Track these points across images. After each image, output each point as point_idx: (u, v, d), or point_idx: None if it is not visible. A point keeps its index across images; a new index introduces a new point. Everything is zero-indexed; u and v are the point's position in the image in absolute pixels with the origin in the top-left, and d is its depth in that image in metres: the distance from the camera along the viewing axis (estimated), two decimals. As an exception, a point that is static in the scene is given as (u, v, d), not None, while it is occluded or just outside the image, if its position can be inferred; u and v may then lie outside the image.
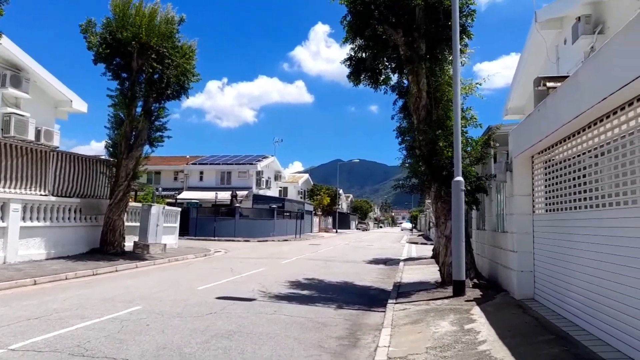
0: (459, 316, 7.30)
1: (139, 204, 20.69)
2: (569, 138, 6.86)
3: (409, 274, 14.14)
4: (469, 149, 10.60)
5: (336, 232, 63.18)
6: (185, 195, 43.26)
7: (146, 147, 17.82)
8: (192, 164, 46.84)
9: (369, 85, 12.04)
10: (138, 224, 19.85)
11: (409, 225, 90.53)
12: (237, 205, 38.31)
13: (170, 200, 39.14)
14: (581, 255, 6.38)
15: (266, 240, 35.79)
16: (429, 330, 6.65)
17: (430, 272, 14.25)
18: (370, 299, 10.44)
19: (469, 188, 9.99)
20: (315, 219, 61.14)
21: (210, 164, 46.74)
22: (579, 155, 6.72)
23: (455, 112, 9.16)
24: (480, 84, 10.96)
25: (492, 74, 11.42)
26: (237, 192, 40.87)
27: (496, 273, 10.15)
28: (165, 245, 20.49)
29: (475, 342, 5.79)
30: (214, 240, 34.34)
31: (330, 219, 69.77)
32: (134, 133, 17.16)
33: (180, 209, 24.72)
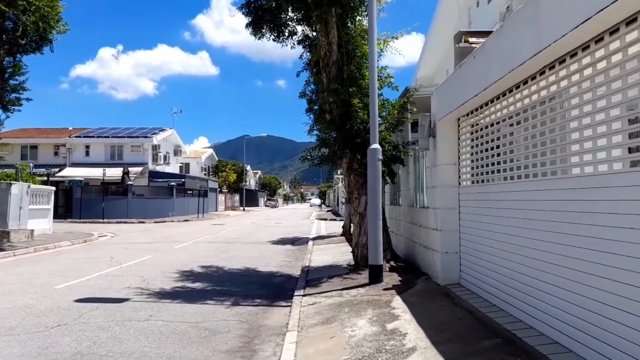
0: (379, 311, 6.03)
1: (-5, 183, 16.94)
2: (498, 98, 5.80)
3: (319, 256, 12.88)
4: (384, 113, 9.36)
5: (244, 210, 60.93)
6: (69, 172, 38.09)
7: (-1, 112, 14.35)
8: (76, 136, 41.30)
9: (272, 38, 10.21)
10: (-6, 207, 16.25)
11: (317, 201, 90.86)
12: (130, 182, 34.45)
13: (49, 178, 34.14)
14: (509, 233, 5.40)
15: (164, 221, 32.74)
16: (344, 334, 5.28)
17: (342, 252, 13.13)
18: (275, 289, 8.92)
19: (384, 158, 8.79)
20: (221, 197, 58.30)
21: (97, 137, 41.58)
22: (504, 120, 5.69)
23: (371, 65, 7.77)
24: (396, 38, 9.67)
25: (409, 28, 10.10)
26: (130, 169, 36.79)
27: (414, 254, 9.16)
28: (32, 231, 17.15)
29: (402, 351, 4.50)
30: (103, 222, 30.55)
31: (237, 197, 67.18)
32: (-21, 94, 13.62)
33: (54, 188, 21.02)
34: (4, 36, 13.63)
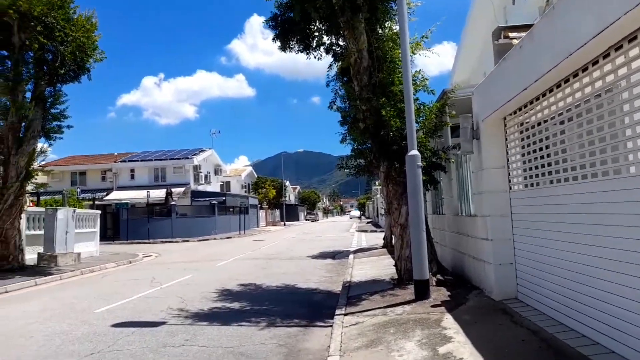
0: (429, 332, 5.47)
1: (43, 209, 17.50)
2: (552, 91, 5.20)
3: (361, 270, 12.34)
4: (421, 118, 8.83)
5: (284, 224, 61.03)
6: (115, 195, 39.39)
7: (42, 141, 14.83)
8: (122, 161, 42.77)
9: (299, 50, 9.95)
10: (42, 232, 16.76)
11: (357, 213, 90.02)
12: (173, 203, 35.16)
13: (97, 202, 35.38)
14: (575, 241, 4.74)
15: (207, 239, 33.06)
16: (392, 359, 4.76)
17: (384, 266, 12.53)
18: (314, 307, 8.48)
19: (424, 165, 8.25)
20: (262, 213, 58.68)
21: (141, 160, 42.87)
22: (560, 115, 5.07)
23: (405, 68, 7.30)
24: (426, 37, 9.11)
25: (437, 23, 9.49)
26: (173, 189, 37.61)
27: (462, 265, 8.49)
28: (79, 254, 17.53)
29: (459, 380, 3.94)
30: (149, 243, 31.19)
31: (277, 212, 67.48)
32: (23, 123, 14.10)
33: (99, 212, 21.58)
34: (45, 67, 14.12)
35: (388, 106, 8.22)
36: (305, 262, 15.94)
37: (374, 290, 8.61)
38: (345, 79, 9.38)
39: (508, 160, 6.48)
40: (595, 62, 4.25)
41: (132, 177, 42.43)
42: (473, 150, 6.90)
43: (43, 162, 15.62)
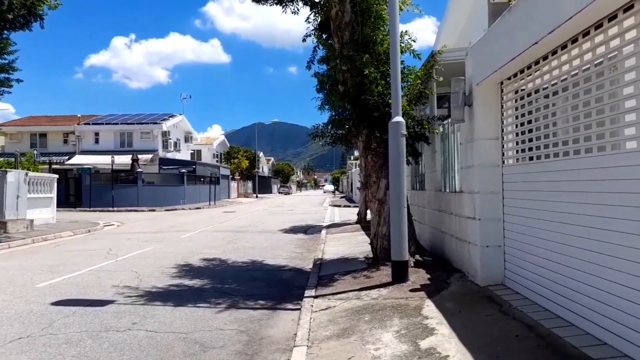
0: (408, 321, 4.85)
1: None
2: (555, 53, 4.51)
3: (333, 246, 11.73)
4: (405, 83, 8.06)
5: (256, 197, 60.07)
6: (78, 160, 37.47)
7: (-13, 95, 13.41)
8: (85, 124, 40.58)
9: (274, 2, 8.92)
10: (-10, 196, 15.43)
11: (331, 187, 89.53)
12: (139, 170, 33.67)
13: (58, 166, 33.58)
14: (575, 222, 4.17)
15: (175, 209, 31.91)
16: (367, 354, 4.12)
17: (358, 243, 11.96)
18: (283, 287, 7.81)
19: (406, 134, 7.53)
20: (234, 184, 57.48)
21: (107, 123, 40.78)
22: (564, 79, 4.41)
23: (392, 22, 6.47)
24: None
25: None
26: (140, 156, 35.99)
27: (443, 246, 7.93)
28: (31, 221, 16.30)
29: (447, 385, 3.32)
30: (112, 211, 29.85)
31: (250, 184, 66.32)
32: (-36, 74, 12.66)
33: (56, 176, 20.18)
34: (-11, 11, 12.60)
35: (372, 66, 7.39)
36: (276, 237, 15.24)
37: (347, 270, 7.98)
38: (325, 36, 8.46)
39: (503, 130, 5.81)
40: (612, 17, 3.57)
41: (97, 141, 40.42)
42: (464, 118, 6.20)
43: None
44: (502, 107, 5.83)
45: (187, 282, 8.10)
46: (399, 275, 6.47)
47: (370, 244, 8.61)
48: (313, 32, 8.56)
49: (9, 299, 6.92)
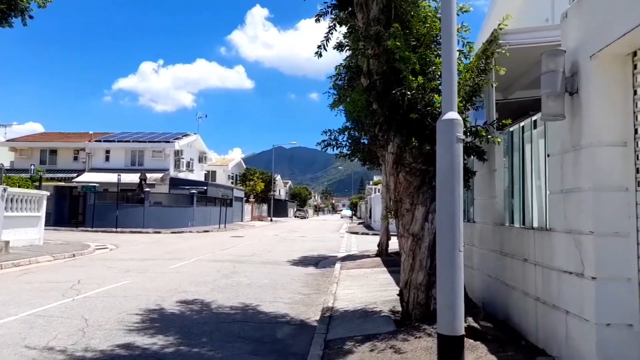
0: None
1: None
2: None
3: (348, 288, 9.36)
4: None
5: (271, 220, 57.84)
6: (87, 177, 36.07)
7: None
8: (96, 140, 39.38)
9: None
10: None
11: (348, 212, 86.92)
12: (147, 189, 31.93)
13: (63, 183, 32.19)
14: None
15: (182, 232, 29.89)
16: None
17: (379, 284, 9.57)
18: (274, 354, 5.49)
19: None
20: (248, 207, 55.51)
21: (118, 141, 39.48)
22: None
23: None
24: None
25: None
26: (149, 175, 34.37)
27: (506, 304, 5.51)
28: (7, 243, 14.36)
29: None
30: (115, 232, 27.99)
31: (265, 207, 64.26)
32: None
33: (46, 193, 18.41)
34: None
35: (407, 50, 5.21)
36: (281, 270, 12.91)
37: (367, 334, 5.62)
38: (345, 13, 6.31)
39: (636, 132, 3.51)
40: None
41: (107, 159, 39.08)
42: (563, 112, 3.92)
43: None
44: (635, 93, 3.53)
45: (144, 340, 5.84)
46: (450, 357, 4.09)
47: (399, 294, 6.24)
48: (329, 8, 6.45)
49: None
